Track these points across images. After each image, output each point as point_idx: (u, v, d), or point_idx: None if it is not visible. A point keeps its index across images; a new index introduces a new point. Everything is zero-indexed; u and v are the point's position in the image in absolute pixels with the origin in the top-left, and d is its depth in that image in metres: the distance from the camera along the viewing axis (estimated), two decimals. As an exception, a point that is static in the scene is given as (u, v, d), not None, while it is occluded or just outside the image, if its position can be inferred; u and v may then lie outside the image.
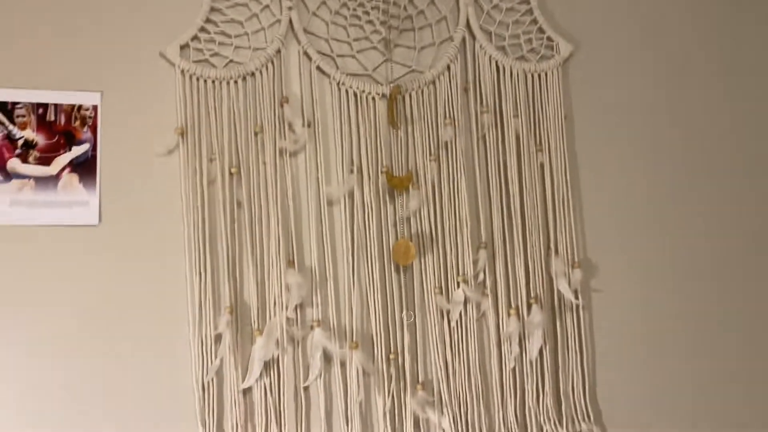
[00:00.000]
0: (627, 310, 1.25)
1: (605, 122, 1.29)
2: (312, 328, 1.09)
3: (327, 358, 1.09)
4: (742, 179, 1.34)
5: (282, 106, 1.13)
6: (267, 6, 1.14)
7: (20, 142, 1.02)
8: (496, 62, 1.22)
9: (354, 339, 1.10)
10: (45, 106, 1.04)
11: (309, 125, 1.14)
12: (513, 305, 1.18)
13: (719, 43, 1.37)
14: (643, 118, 1.31)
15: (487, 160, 1.21)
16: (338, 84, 1.15)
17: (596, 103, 1.29)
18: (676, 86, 1.33)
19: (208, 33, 1.11)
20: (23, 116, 1.03)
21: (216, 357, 1.04)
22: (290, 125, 1.13)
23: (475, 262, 1.17)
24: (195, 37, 1.11)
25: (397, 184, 1.15)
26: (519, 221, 1.20)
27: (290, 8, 1.14)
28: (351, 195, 1.14)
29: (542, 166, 1.23)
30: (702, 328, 1.28)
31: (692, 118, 1.33)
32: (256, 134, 1.11)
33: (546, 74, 1.24)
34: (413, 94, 1.18)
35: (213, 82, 1.10)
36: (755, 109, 1.37)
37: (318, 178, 1.14)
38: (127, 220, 1.06)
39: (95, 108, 1.06)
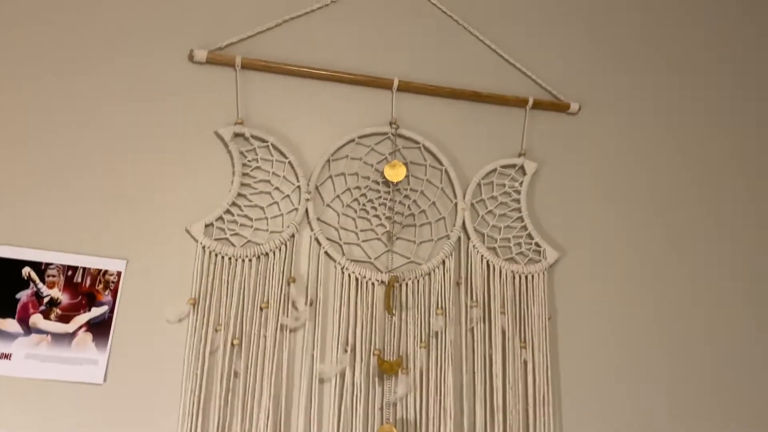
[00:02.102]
0: None
1: (587, 325, 1.38)
2: (290, 507, 1.10)
3: None
4: (733, 393, 1.40)
5: (289, 284, 1.23)
6: (287, 196, 1.29)
7: (46, 300, 1.12)
8: (487, 261, 1.34)
9: None
10: (74, 268, 1.14)
11: (311, 304, 1.23)
12: (490, 501, 1.19)
13: (708, 242, 1.50)
14: (625, 326, 1.40)
15: (474, 353, 1.28)
16: (342, 269, 1.26)
17: (579, 306, 1.38)
18: (656, 291, 1.44)
19: (232, 215, 1.25)
20: (53, 276, 1.13)
21: None
22: (294, 303, 1.23)
23: (456, 453, 1.21)
24: (220, 218, 1.24)
25: (387, 369, 1.22)
26: (501, 416, 1.25)
27: (308, 199, 1.28)
28: (342, 375, 1.21)
29: (525, 363, 1.30)
30: None
31: (674, 323, 1.42)
32: (261, 309, 1.21)
33: (533, 276, 1.36)
34: (409, 283, 1.29)
35: (230, 259, 1.22)
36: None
37: (313, 356, 1.21)
38: (131, 381, 1.12)
39: (119, 274, 1.17)
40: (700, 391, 1.39)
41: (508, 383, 1.27)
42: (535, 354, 1.30)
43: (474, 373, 1.27)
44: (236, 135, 1.29)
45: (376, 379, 1.23)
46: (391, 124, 1.37)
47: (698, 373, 1.40)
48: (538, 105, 1.46)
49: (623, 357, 1.38)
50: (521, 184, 1.41)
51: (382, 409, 1.21)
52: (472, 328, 1.30)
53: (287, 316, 1.22)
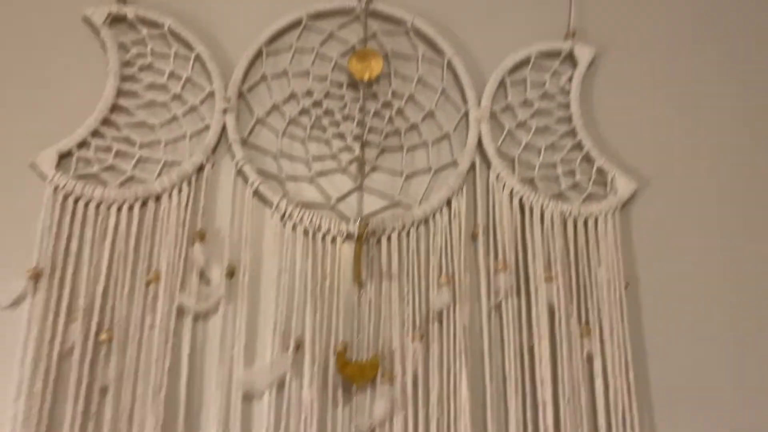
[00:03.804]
0: None
1: (688, 294, 0.86)
2: None
3: None
4: None
5: (194, 244, 0.76)
6: (195, 108, 0.82)
7: None
8: (521, 199, 0.84)
9: None
10: None
11: (232, 275, 0.77)
12: None
13: None
14: (748, 292, 0.87)
15: (504, 345, 0.78)
16: (284, 217, 0.79)
17: (673, 265, 0.86)
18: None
19: (104, 139, 0.79)
20: None
21: None
22: (202, 274, 0.76)
23: None
24: (84, 143, 0.79)
25: (356, 375, 0.74)
26: (552, 448, 0.74)
27: (226, 110, 0.81)
28: (282, 386, 0.73)
29: (590, 358, 0.79)
30: None
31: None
32: (147, 284, 0.75)
33: (597, 220, 0.85)
34: (394, 237, 0.80)
35: (98, 205, 0.76)
36: None
37: (233, 357, 0.74)
38: None
39: None
40: None
41: (562, 394, 0.77)
42: (606, 344, 0.79)
43: (505, 378, 0.77)
44: (114, 19, 0.83)
45: (339, 392, 0.75)
46: (360, -4, 0.88)
47: None
48: (592, -36, 0.95)
49: (747, 341, 0.85)
50: (571, 80, 0.90)
51: (349, 441, 0.73)
52: (500, 305, 0.80)
53: (190, 294, 0.75)
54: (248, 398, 0.73)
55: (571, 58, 0.92)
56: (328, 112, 0.85)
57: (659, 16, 0.96)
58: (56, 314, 0.72)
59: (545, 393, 0.77)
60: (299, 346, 0.75)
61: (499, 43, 0.90)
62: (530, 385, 0.77)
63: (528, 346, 0.79)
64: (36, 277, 0.72)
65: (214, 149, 0.81)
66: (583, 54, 0.91)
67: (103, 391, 0.71)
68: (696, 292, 0.86)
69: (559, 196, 0.86)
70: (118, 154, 0.79)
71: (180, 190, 0.78)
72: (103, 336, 0.72)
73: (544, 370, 0.77)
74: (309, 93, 0.85)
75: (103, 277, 0.74)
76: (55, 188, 0.76)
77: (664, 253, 0.87)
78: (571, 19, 0.93)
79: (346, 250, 0.79)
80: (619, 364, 0.79)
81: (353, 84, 0.86)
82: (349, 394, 0.75)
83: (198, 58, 0.83)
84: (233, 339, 0.74)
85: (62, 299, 0.73)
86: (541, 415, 0.76)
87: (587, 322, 0.81)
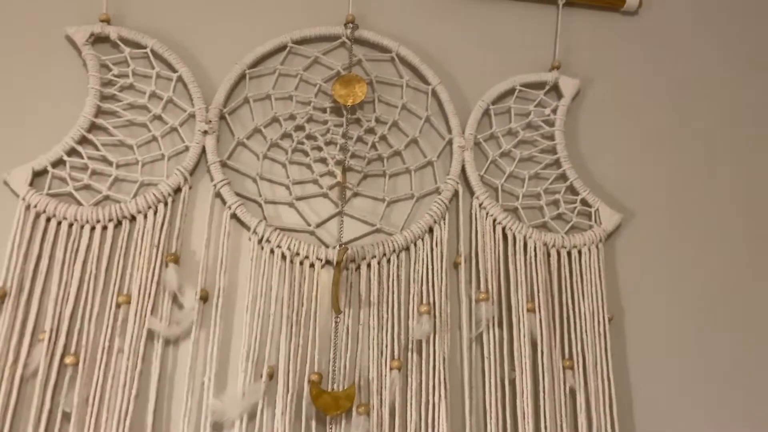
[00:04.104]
0: None
1: (673, 328, 0.84)
2: None
3: None
4: None
5: (167, 266, 0.74)
6: (175, 129, 0.81)
7: None
8: (503, 229, 0.83)
9: None
10: None
11: (205, 299, 0.74)
12: None
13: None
14: (737, 326, 0.85)
15: (485, 377, 0.76)
16: (261, 241, 0.77)
17: (658, 298, 0.85)
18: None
19: (81, 157, 0.78)
20: None
21: None
22: (175, 297, 0.74)
23: None
24: (60, 161, 0.77)
25: (329, 405, 0.71)
26: (532, 487, 0.72)
27: (206, 132, 0.80)
28: (254, 415, 0.71)
29: (573, 392, 0.77)
30: None
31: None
32: (117, 306, 0.72)
33: (580, 252, 0.84)
34: (374, 264, 0.78)
35: (71, 224, 0.74)
36: None
37: (204, 384, 0.71)
38: None
39: None
40: None
41: (544, 429, 0.74)
42: (589, 378, 0.78)
43: (485, 411, 0.75)
44: (97, 38, 0.83)
45: (313, 423, 0.72)
46: (347, 23, 0.88)
47: None
48: (576, 0, 0.96)
49: (734, 376, 0.83)
50: (555, 111, 0.90)
51: (322, 475, 0.70)
52: (481, 336, 0.78)
53: (161, 318, 0.73)
54: (218, 428, 0.71)
55: (556, 90, 0.92)
56: (310, 137, 0.84)
57: (644, 49, 0.97)
58: (21, 335, 0.70)
59: (527, 428, 0.74)
60: (272, 375, 0.72)
61: (484, 73, 0.90)
62: (511, 420, 0.75)
63: (509, 378, 0.77)
64: (2, 296, 0.70)
65: (193, 171, 0.79)
66: (568, 86, 0.91)
67: (66, 416, 0.68)
68: (681, 326, 0.84)
69: (543, 227, 0.85)
70: (94, 173, 0.78)
71: (156, 212, 0.76)
72: (69, 359, 0.69)
73: (525, 404, 0.75)
74: (292, 117, 0.84)
75: (71, 299, 0.71)
76: (27, 206, 0.74)
77: (648, 285, 0.85)
78: (556, 51, 0.93)
79: (325, 277, 0.78)
80: (602, 399, 0.77)
81: (337, 109, 0.85)
82: (323, 426, 0.72)
83: (180, 79, 0.82)
84: (204, 365, 0.72)
85: (28, 320, 0.70)
86: (522, 450, 0.73)
87: (570, 355, 0.79)
